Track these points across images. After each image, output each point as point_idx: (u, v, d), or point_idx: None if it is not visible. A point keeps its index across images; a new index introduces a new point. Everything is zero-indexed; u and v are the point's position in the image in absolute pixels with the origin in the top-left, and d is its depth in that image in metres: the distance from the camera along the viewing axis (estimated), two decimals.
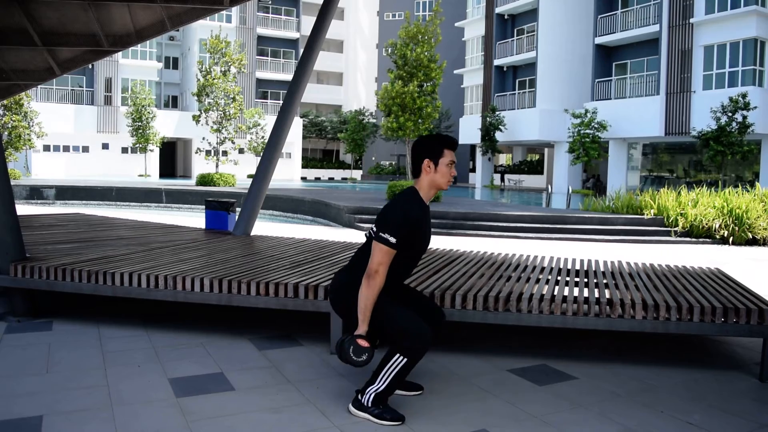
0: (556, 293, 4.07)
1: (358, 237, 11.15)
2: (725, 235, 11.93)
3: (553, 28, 33.77)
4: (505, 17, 36.97)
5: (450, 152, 3.01)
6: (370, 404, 2.97)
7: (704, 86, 26.28)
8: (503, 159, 45.31)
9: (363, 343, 2.85)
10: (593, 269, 5.07)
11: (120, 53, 35.63)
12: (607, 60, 31.07)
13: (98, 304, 5.12)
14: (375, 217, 14.06)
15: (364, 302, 2.86)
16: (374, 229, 2.92)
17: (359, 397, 3.02)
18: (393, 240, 2.85)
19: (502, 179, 38.45)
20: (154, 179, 34.37)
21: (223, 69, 27.85)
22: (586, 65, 32.72)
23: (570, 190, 18.07)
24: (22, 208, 13.79)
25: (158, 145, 36.54)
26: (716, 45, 25.88)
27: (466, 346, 4.29)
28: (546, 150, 39.62)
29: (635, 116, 28.43)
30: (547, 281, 4.57)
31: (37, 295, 4.74)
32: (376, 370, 2.98)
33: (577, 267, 5.19)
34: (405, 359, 2.89)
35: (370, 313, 2.87)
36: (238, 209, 7.50)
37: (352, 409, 3.04)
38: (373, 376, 2.98)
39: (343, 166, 52.19)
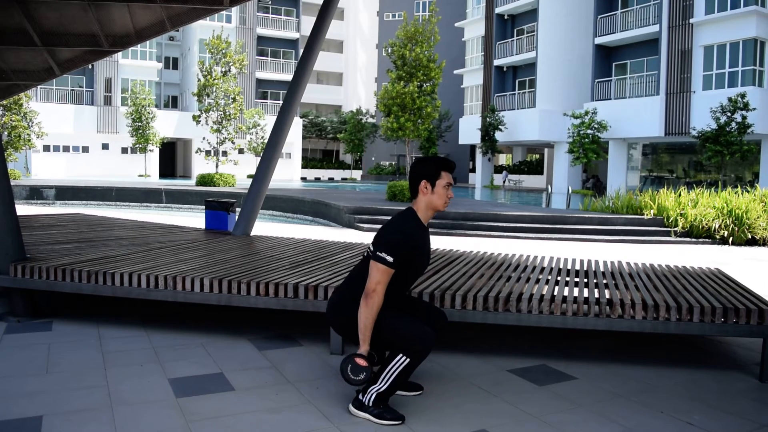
0: (556, 293, 4.07)
1: (358, 237, 11.15)
2: (725, 235, 11.93)
3: (553, 28, 33.79)
4: (505, 17, 36.98)
5: (447, 174, 3.03)
6: (371, 404, 2.98)
7: (704, 86, 26.29)
8: (503, 159, 45.33)
9: (361, 362, 2.86)
10: (593, 269, 5.07)
11: (120, 53, 35.63)
12: (607, 60, 31.08)
13: (98, 304, 5.12)
14: (374, 217, 13.98)
15: (363, 322, 2.87)
16: (371, 248, 2.93)
17: (360, 396, 3.02)
18: (390, 259, 2.86)
19: (505, 178, 38.20)
20: (154, 179, 34.37)
21: (223, 69, 27.85)
22: (586, 65, 32.73)
23: (570, 191, 18.07)
24: (22, 209, 13.79)
25: (158, 145, 36.54)
26: (716, 45, 25.89)
27: (466, 346, 4.29)
28: (546, 150, 39.63)
29: (635, 116, 28.43)
30: (547, 281, 4.57)
31: (37, 296, 4.74)
32: (378, 369, 2.99)
33: (577, 267, 5.19)
34: (408, 360, 2.90)
35: (370, 332, 2.88)
36: (238, 209, 7.50)
37: (352, 409, 3.04)
38: (375, 376, 2.99)
39: (343, 166, 52.20)
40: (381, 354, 3.06)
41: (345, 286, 3.13)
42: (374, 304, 2.86)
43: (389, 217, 3.13)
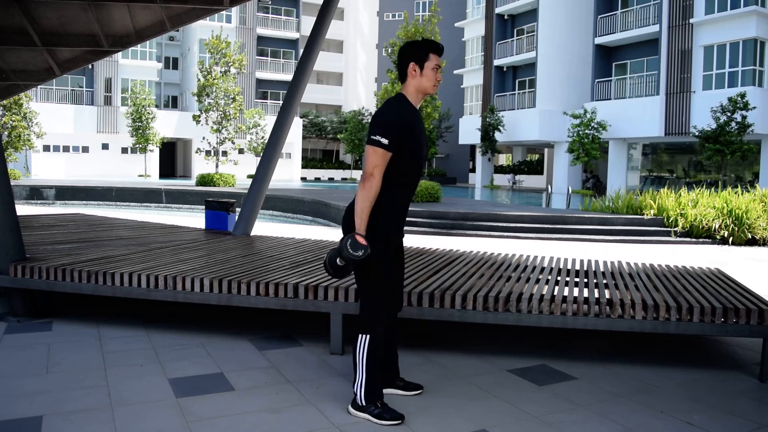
0: (556, 293, 4.07)
1: None
2: (725, 235, 11.92)
3: (553, 28, 33.78)
4: (505, 17, 36.97)
5: (435, 56, 2.99)
6: (364, 402, 2.99)
7: (704, 86, 26.29)
8: (503, 159, 45.33)
9: (360, 239, 2.81)
10: (593, 269, 5.07)
11: (120, 53, 35.63)
12: (607, 60, 31.07)
13: (98, 304, 5.12)
14: None
15: (360, 205, 2.83)
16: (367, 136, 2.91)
17: (356, 399, 3.04)
18: (385, 141, 2.82)
19: (513, 181, 37.76)
20: (154, 179, 34.35)
21: (223, 69, 27.85)
22: (586, 65, 32.72)
23: (570, 190, 18.06)
24: (22, 209, 13.79)
25: (158, 145, 36.55)
26: (716, 45, 25.89)
27: (466, 346, 4.29)
28: (546, 150, 39.62)
29: (635, 116, 28.43)
30: (547, 281, 4.57)
31: (37, 296, 4.74)
32: (353, 366, 3.03)
33: (577, 267, 5.19)
34: (367, 336, 2.95)
35: (367, 216, 2.84)
36: (238, 209, 7.50)
37: (351, 410, 3.04)
38: (353, 374, 3.03)
39: (343, 166, 52.18)
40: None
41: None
42: (372, 187, 2.83)
43: None
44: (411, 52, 2.99)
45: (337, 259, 2.87)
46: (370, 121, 2.94)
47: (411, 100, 2.99)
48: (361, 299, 3.04)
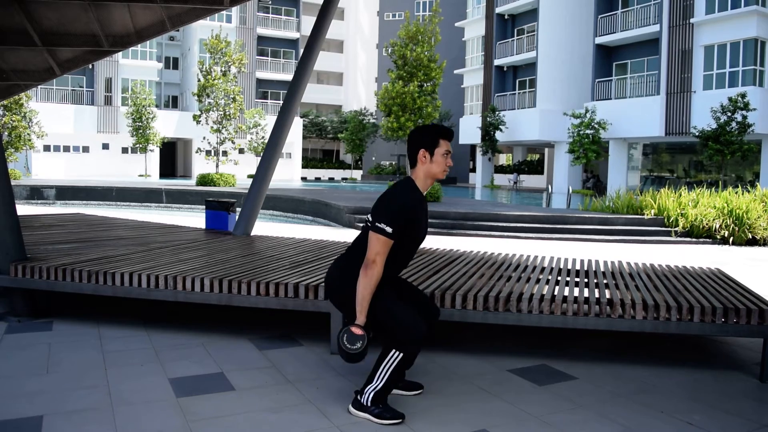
0: (556, 293, 4.07)
1: None
2: (725, 235, 11.92)
3: (553, 28, 33.78)
4: (505, 17, 36.98)
5: (446, 142, 3.01)
6: (369, 403, 2.98)
7: (704, 86, 26.28)
8: (503, 159, 45.32)
9: (357, 330, 2.84)
10: (593, 269, 5.06)
11: (120, 53, 35.62)
12: (608, 60, 31.07)
13: (98, 304, 5.12)
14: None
15: (361, 293, 2.85)
16: (370, 219, 2.91)
17: (358, 397, 3.03)
18: (389, 230, 2.83)
19: (516, 180, 37.62)
20: (154, 179, 34.36)
21: (223, 69, 27.84)
22: (586, 65, 32.72)
23: (570, 190, 18.06)
24: (22, 208, 13.79)
25: (158, 145, 36.54)
26: (716, 45, 25.88)
27: (466, 346, 4.29)
28: (546, 150, 39.61)
29: (635, 116, 28.43)
30: (547, 281, 4.57)
31: (37, 295, 4.74)
32: (372, 369, 2.99)
33: (577, 267, 5.19)
34: (401, 354, 2.90)
35: (368, 303, 2.86)
36: (238, 209, 7.50)
37: (352, 409, 3.04)
38: (370, 376, 2.99)
39: (343, 166, 52.18)
40: (376, 329, 3.02)
41: (344, 260, 3.07)
42: (374, 275, 2.84)
43: None
44: (421, 138, 3.01)
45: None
46: (376, 202, 2.95)
47: (419, 185, 3.01)
48: (391, 332, 2.97)
